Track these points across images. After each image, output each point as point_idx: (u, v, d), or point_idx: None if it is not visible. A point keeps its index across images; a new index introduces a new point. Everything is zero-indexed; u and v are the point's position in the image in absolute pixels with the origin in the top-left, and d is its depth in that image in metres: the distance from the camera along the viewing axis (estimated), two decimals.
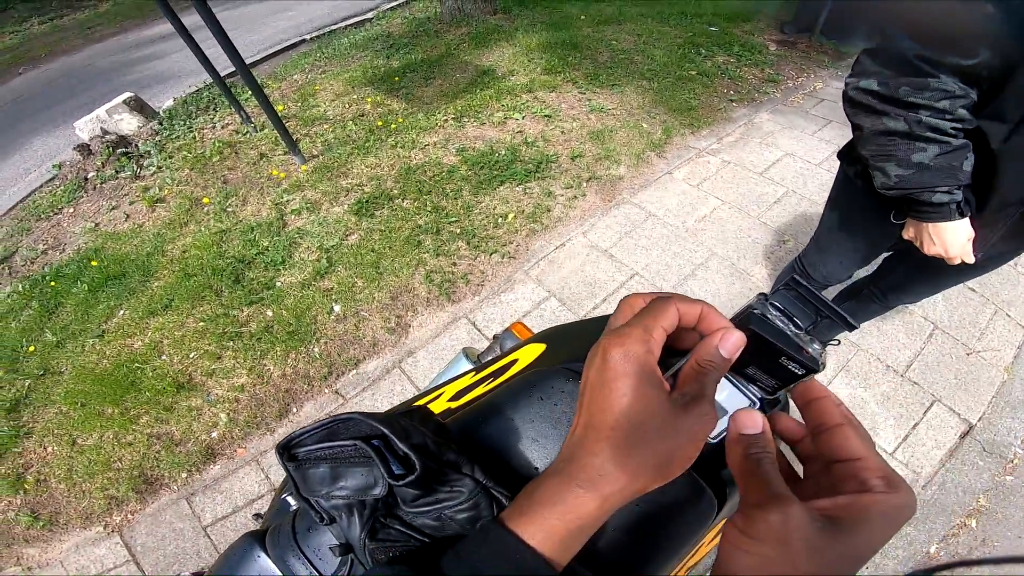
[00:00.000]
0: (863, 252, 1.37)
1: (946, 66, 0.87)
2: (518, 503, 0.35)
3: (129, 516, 1.92)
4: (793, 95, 3.64)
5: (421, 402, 0.72)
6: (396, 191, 2.83)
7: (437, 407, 0.68)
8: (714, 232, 2.59)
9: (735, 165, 3.00)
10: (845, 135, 3.06)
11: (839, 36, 4.23)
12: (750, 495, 0.31)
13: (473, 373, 0.72)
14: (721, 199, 2.77)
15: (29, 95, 7.12)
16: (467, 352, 0.99)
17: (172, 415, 2.13)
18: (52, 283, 2.82)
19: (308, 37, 5.99)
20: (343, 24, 6.22)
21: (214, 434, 2.07)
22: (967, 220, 1.03)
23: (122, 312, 2.56)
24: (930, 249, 1.09)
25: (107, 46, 9.70)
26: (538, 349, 0.65)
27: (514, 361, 0.66)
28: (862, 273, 1.61)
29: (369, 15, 6.33)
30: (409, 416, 0.45)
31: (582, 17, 4.89)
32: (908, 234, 1.13)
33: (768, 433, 0.33)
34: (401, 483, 0.40)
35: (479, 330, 2.26)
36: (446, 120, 3.36)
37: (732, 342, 0.32)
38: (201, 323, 2.40)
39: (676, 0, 5.33)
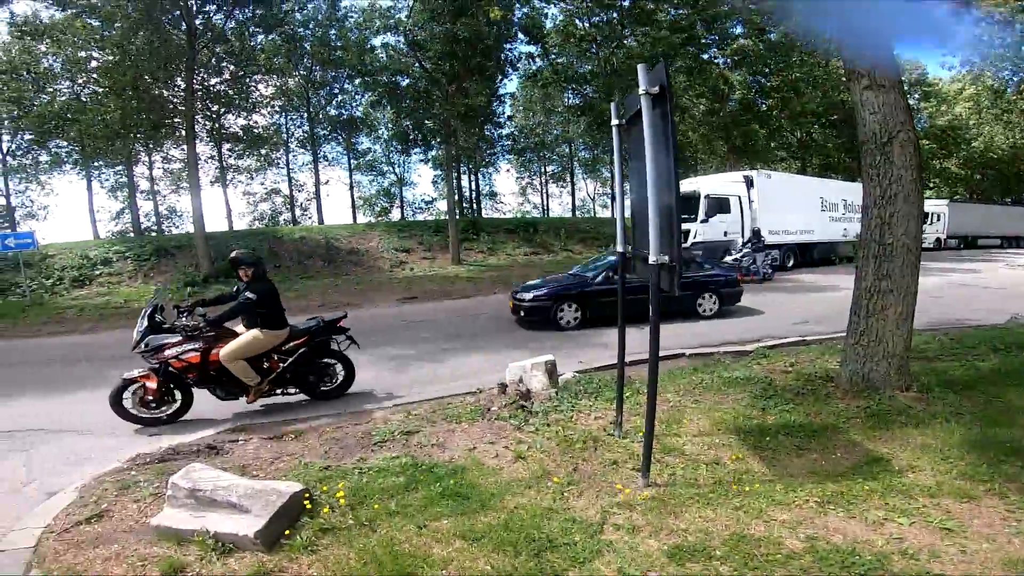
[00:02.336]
0: None
1: None
2: None
3: None
4: None
5: None
6: (719, 553, 2.59)
7: None
8: None
9: None
10: None
11: None
12: None
13: None
14: None
15: (492, 314, 10.57)
16: None
17: None
18: (421, 475, 3.53)
19: (687, 353, 6.62)
20: (722, 349, 6.67)
21: None
22: None
23: (445, 522, 2.97)
24: None
25: None
26: None
27: None
28: None
29: (749, 347, 6.60)
30: None
31: None
32: None
33: None
34: None
35: None
36: (807, 500, 2.99)
37: None
38: (488, 568, 2.56)
39: None
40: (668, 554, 2.61)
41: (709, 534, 2.76)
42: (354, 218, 34.94)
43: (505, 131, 35.10)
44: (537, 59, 24.42)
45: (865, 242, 4.56)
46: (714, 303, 9.65)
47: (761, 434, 3.94)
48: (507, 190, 60.65)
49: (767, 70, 26.58)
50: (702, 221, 15.15)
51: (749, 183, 16.55)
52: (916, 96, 33.99)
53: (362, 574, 2.56)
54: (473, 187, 38.01)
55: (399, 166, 37.14)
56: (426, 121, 20.45)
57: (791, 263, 17.51)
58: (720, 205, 15.72)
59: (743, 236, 15.41)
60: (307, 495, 3.09)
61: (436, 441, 4.14)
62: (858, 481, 3.18)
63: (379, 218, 36.21)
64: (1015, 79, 24.28)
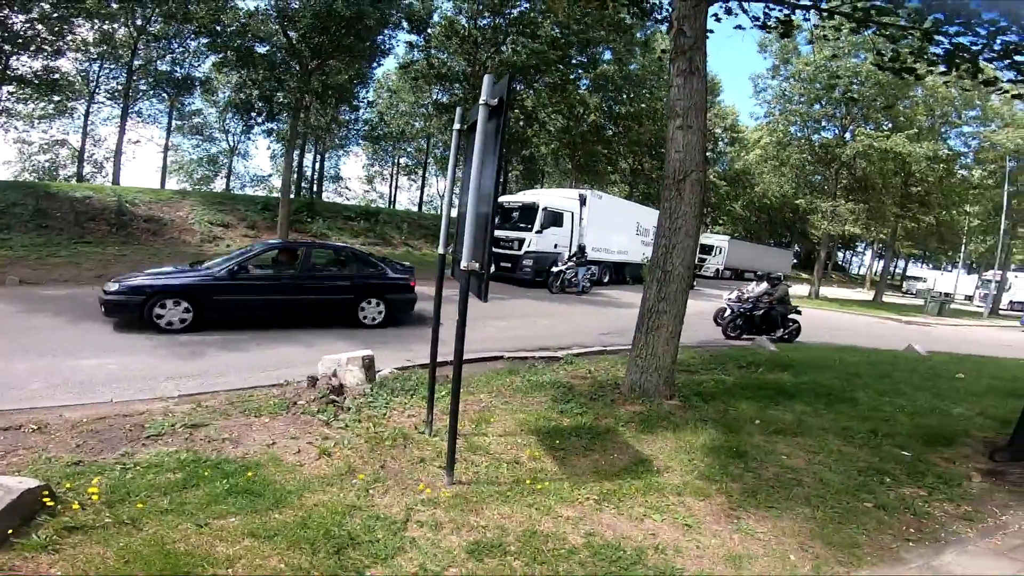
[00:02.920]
0: None
1: None
2: None
3: None
4: (993, 536, 3.05)
5: None
6: (513, 548, 2.83)
7: None
8: None
9: None
10: None
11: None
12: None
13: None
14: None
15: None
16: None
17: None
18: (208, 470, 3.22)
19: (506, 355, 7.05)
20: (538, 354, 7.24)
21: None
22: None
23: (232, 520, 2.77)
24: None
25: None
26: None
27: None
28: None
29: (560, 353, 7.30)
30: None
31: (756, 422, 4.91)
32: None
33: None
34: None
35: None
36: (588, 499, 3.42)
37: None
38: (283, 566, 2.47)
39: (868, 415, 5.10)
40: (468, 550, 2.77)
41: (505, 530, 2.99)
42: (163, 183, 30.03)
43: (363, 115, 33.49)
44: (416, 50, 23.69)
45: (652, 267, 5.29)
46: (380, 311, 8.46)
47: (556, 435, 4.35)
48: (354, 176, 57.22)
49: (621, 97, 28.44)
50: (537, 232, 15.98)
51: (583, 201, 17.92)
52: (725, 140, 38.67)
53: (125, 574, 2.29)
54: (317, 168, 35.43)
55: (234, 135, 32.99)
56: (277, 93, 18.18)
57: (607, 279, 19.42)
58: (555, 219, 16.75)
59: (570, 250, 16.72)
60: (46, 492, 2.67)
61: (229, 436, 3.78)
62: (627, 480, 3.71)
63: (196, 187, 31.66)
64: (798, 134, 28.04)
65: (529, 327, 9.93)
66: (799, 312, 10.98)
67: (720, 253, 32.76)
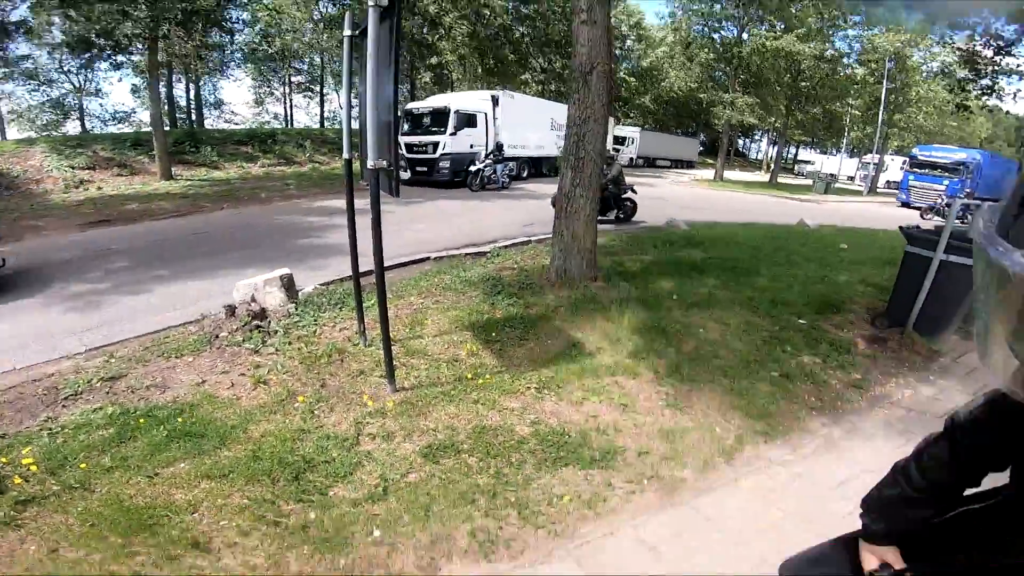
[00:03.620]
0: None
1: None
2: None
3: None
4: (879, 405, 3.60)
5: None
6: (466, 447, 3.00)
7: None
8: (771, 544, 2.43)
9: (805, 479, 2.95)
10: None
11: (932, 331, 4.15)
12: None
13: None
14: (784, 512, 2.68)
15: (215, 233, 8.55)
16: None
17: (171, 565, 2.14)
18: (141, 419, 3.09)
19: (432, 256, 7.00)
20: (464, 251, 7.25)
21: None
22: None
23: (182, 465, 2.74)
24: None
25: (289, 205, 11.86)
26: None
27: None
28: None
29: (486, 248, 7.35)
30: None
31: (674, 297, 5.27)
32: None
33: None
34: None
35: None
36: (529, 388, 3.61)
37: None
38: (246, 500, 2.51)
39: (769, 287, 5.67)
40: (423, 454, 2.91)
41: (455, 430, 3.14)
42: (3, 135, 25.43)
43: (241, 38, 29.67)
44: None
45: (566, 155, 5.34)
46: None
47: (491, 328, 4.47)
48: (240, 101, 50.44)
49: None
50: (451, 134, 15.97)
51: (495, 102, 18.03)
52: (632, 38, 39.62)
53: (94, 536, 2.24)
54: (192, 96, 31.01)
55: (77, 74, 27.43)
56: (123, 25, 14.71)
57: (526, 174, 19.84)
58: (468, 120, 16.77)
59: (487, 149, 16.84)
60: None
61: (152, 382, 3.59)
62: (563, 365, 3.93)
63: (43, 133, 26.74)
64: (699, 33, 30.10)
65: (452, 227, 9.79)
66: (634, 191, 10.91)
67: (633, 143, 34.88)
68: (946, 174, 21.76)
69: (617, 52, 34.72)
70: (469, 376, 3.72)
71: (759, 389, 3.80)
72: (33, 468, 2.61)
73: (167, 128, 19.17)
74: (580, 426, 3.28)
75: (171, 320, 4.91)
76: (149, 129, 18.59)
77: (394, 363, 3.50)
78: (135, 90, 30.73)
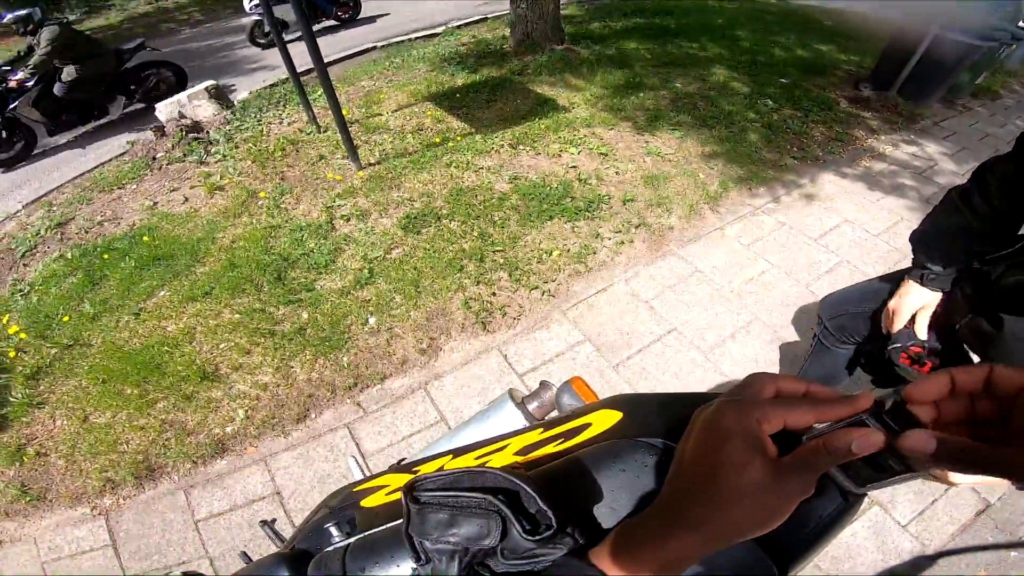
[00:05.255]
0: None
1: None
2: (613, 542, 0.40)
3: (121, 501, 1.93)
4: (860, 157, 3.51)
5: (485, 450, 0.72)
6: (445, 211, 2.84)
7: (501, 459, 0.69)
8: (759, 296, 2.50)
9: (790, 227, 2.92)
10: (909, 205, 2.94)
11: (917, 97, 4.07)
12: None
13: (541, 430, 0.72)
14: (771, 262, 2.68)
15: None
16: (512, 394, 0.98)
17: (190, 404, 2.16)
18: (104, 255, 2.92)
19: (379, 45, 6.16)
20: (413, 36, 6.38)
21: (228, 428, 2.09)
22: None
23: (163, 293, 2.64)
24: None
25: (200, 31, 10.22)
26: (614, 417, 0.65)
27: (587, 425, 0.66)
28: None
29: (439, 29, 6.48)
30: (514, 474, 0.47)
31: (648, 56, 4.84)
32: None
33: None
34: (535, 538, 0.43)
35: (510, 363, 2.23)
36: (502, 145, 3.38)
37: (868, 444, 0.33)
38: (237, 315, 2.44)
39: (749, 49, 5.22)
40: (402, 227, 2.76)
41: (432, 196, 2.96)
42: None
43: None
44: None
45: None
46: None
47: (454, 96, 4.09)
48: None
49: None
50: None
51: None
52: None
53: (112, 393, 2.21)
54: None
55: None
56: None
57: None
58: None
59: None
60: None
61: (103, 217, 3.33)
62: (536, 121, 3.65)
63: None
64: None
65: (395, 18, 8.49)
66: None
67: None
68: None
69: None
70: (438, 141, 3.46)
71: (741, 138, 3.60)
72: (23, 336, 2.49)
73: None
74: (561, 177, 3.12)
75: (100, 158, 4.38)
76: None
77: (355, 142, 3.20)
78: None
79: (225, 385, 2.21)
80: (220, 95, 4.33)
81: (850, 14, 9.90)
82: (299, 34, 13.71)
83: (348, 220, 2.85)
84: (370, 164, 3.27)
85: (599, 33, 5.61)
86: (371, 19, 7.84)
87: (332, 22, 7.57)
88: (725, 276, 2.61)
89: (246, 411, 2.12)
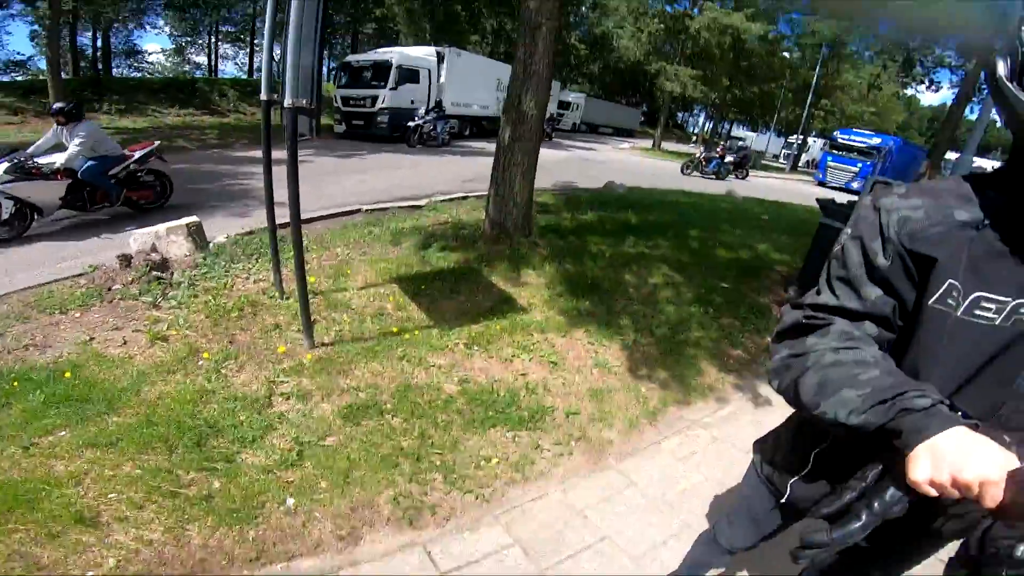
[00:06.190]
0: None
1: None
2: None
3: None
4: None
5: None
6: (389, 406, 2.82)
7: None
8: (693, 506, 2.54)
9: (723, 441, 3.03)
10: None
11: None
12: None
13: None
14: (705, 475, 2.75)
15: None
16: None
17: (53, 542, 1.92)
18: (15, 382, 2.72)
19: (365, 208, 6.59)
20: (399, 204, 6.89)
21: (90, 573, 1.85)
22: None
23: (63, 434, 2.43)
24: None
25: (206, 155, 10.85)
26: None
27: None
28: None
29: (423, 202, 7.04)
30: None
31: (607, 255, 5.24)
32: None
33: None
34: None
35: (433, 560, 2.11)
36: (458, 343, 3.46)
37: None
38: (138, 471, 2.26)
39: (696, 249, 5.82)
40: (342, 415, 2.70)
41: (379, 389, 2.95)
42: None
43: None
44: None
45: (507, 109, 5.14)
46: None
47: (420, 281, 4.25)
48: (157, 50, 44.82)
49: None
50: (391, 88, 15.32)
51: (440, 58, 17.34)
52: (585, 7, 38.88)
53: None
54: (100, 44, 27.31)
55: None
56: None
57: (468, 132, 19.39)
58: (411, 75, 16.11)
59: (427, 106, 16.18)
60: None
61: (32, 341, 3.16)
62: (494, 321, 3.80)
63: None
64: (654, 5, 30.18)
65: (388, 179, 9.29)
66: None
67: (577, 109, 35.35)
68: (861, 157, 22.88)
69: (572, 19, 34.48)
70: (395, 331, 3.52)
71: (683, 350, 3.85)
72: None
73: (67, 77, 17.31)
74: (509, 384, 3.18)
75: (58, 273, 4.24)
76: (46, 78, 16.66)
77: (314, 317, 3.26)
78: (34, 36, 27.00)
79: (102, 532, 2.00)
80: (198, 234, 4.43)
81: (785, 207, 11.40)
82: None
83: (288, 399, 2.78)
84: (324, 344, 3.28)
85: (566, 227, 6.17)
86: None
87: (122, 208, 5.93)
88: (660, 488, 2.63)
89: (118, 560, 1.89)
